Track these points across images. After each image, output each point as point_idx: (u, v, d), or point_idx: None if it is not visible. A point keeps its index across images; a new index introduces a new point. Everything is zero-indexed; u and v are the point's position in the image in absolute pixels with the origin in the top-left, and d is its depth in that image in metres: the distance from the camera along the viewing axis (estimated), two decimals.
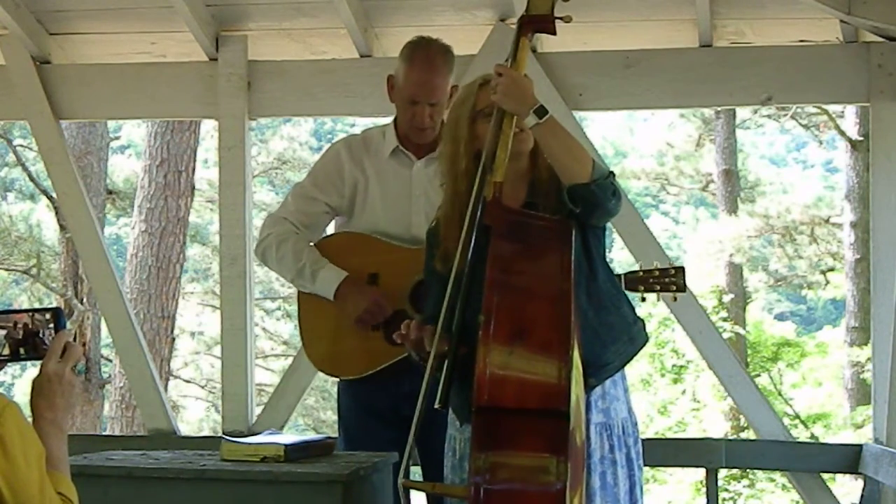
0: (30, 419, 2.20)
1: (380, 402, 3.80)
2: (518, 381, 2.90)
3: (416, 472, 4.06)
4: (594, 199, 3.13)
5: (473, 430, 2.90)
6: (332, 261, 3.80)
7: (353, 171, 3.84)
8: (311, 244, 3.87)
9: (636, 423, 3.34)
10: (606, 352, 3.24)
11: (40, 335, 2.24)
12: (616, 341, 3.26)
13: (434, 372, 3.08)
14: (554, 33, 3.26)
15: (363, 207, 3.85)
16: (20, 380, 17.02)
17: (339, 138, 4.03)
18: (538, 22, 3.26)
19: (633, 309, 3.35)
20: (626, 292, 3.58)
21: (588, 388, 3.22)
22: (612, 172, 3.18)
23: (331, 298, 3.75)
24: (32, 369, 2.29)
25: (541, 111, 3.13)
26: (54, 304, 2.38)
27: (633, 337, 3.32)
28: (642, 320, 3.39)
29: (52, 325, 2.24)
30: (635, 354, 3.36)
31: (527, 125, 3.13)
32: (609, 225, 3.47)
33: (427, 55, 3.78)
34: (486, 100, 3.23)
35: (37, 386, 2.23)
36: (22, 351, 2.24)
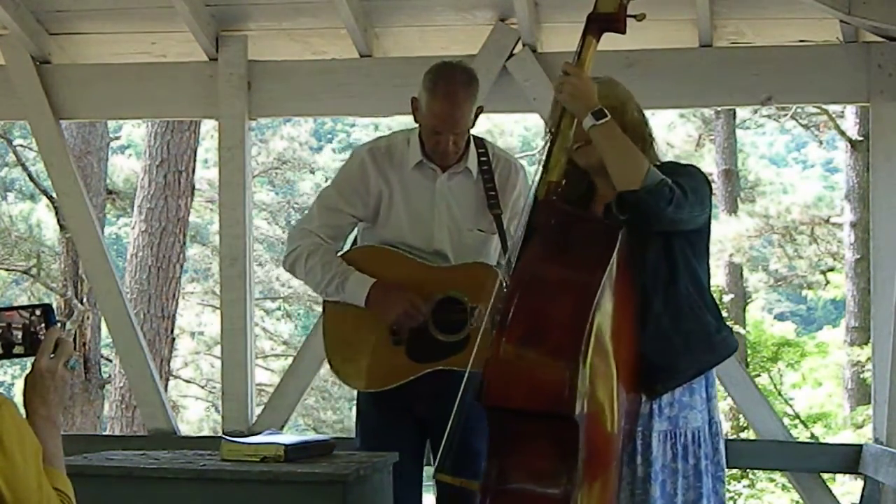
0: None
1: (396, 399, 3.81)
2: (527, 383, 2.89)
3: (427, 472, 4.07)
4: (642, 205, 3.05)
5: (488, 428, 2.91)
6: None
7: (378, 182, 3.84)
8: (339, 254, 3.88)
9: (717, 434, 3.26)
10: (679, 359, 3.18)
11: (32, 332, 2.23)
12: (691, 350, 3.19)
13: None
14: (623, 32, 3.20)
15: (387, 218, 3.86)
16: (20, 379, 17.01)
17: (363, 144, 4.02)
18: (605, 20, 3.20)
19: (718, 318, 3.27)
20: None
21: (654, 395, 3.18)
22: (670, 181, 3.09)
23: (362, 305, 3.76)
24: None
25: (599, 113, 3.11)
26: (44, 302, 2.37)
27: (715, 346, 3.25)
28: (729, 328, 3.33)
29: (43, 322, 2.24)
30: (715, 364, 3.28)
31: (585, 126, 3.12)
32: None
33: (449, 88, 3.73)
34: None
35: (30, 382, 2.23)
36: (15, 349, 2.24)
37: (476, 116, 3.79)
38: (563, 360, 2.86)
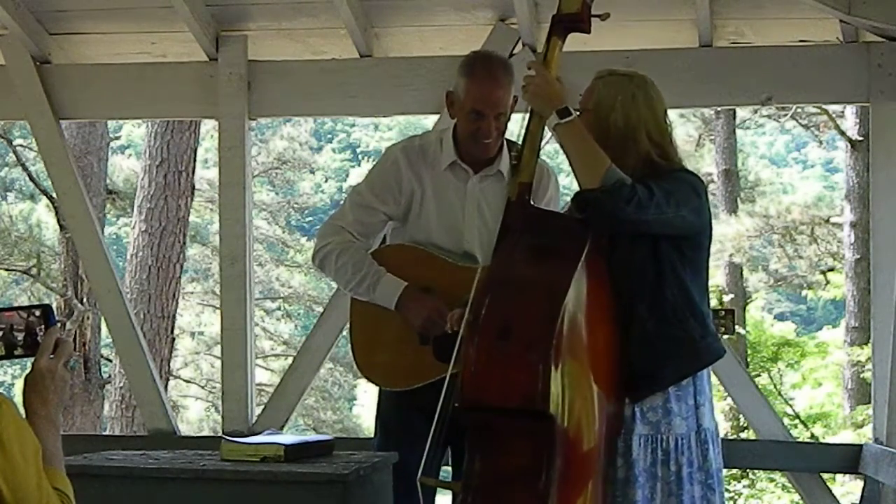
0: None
1: (418, 399, 3.78)
2: (500, 381, 2.91)
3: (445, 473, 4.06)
4: (597, 205, 3.11)
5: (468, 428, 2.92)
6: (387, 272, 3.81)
7: (410, 180, 3.83)
8: (369, 253, 3.86)
9: (707, 441, 3.24)
10: (661, 364, 3.18)
11: (32, 332, 2.24)
12: (674, 355, 3.20)
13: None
14: (588, 32, 3.23)
15: (418, 218, 3.84)
16: (20, 379, 16.99)
17: (396, 143, 4.00)
18: (570, 21, 3.22)
19: (704, 325, 3.27)
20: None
21: (637, 399, 3.18)
22: (631, 181, 3.12)
23: (391, 308, 3.75)
24: None
25: (563, 112, 3.13)
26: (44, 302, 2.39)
27: (698, 352, 3.24)
28: (714, 335, 3.32)
29: (43, 323, 2.24)
30: (699, 370, 3.26)
31: (549, 125, 3.16)
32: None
33: (488, 68, 3.73)
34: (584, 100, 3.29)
35: (30, 382, 2.23)
36: (16, 350, 2.24)
37: (511, 108, 3.76)
38: (535, 356, 2.88)
